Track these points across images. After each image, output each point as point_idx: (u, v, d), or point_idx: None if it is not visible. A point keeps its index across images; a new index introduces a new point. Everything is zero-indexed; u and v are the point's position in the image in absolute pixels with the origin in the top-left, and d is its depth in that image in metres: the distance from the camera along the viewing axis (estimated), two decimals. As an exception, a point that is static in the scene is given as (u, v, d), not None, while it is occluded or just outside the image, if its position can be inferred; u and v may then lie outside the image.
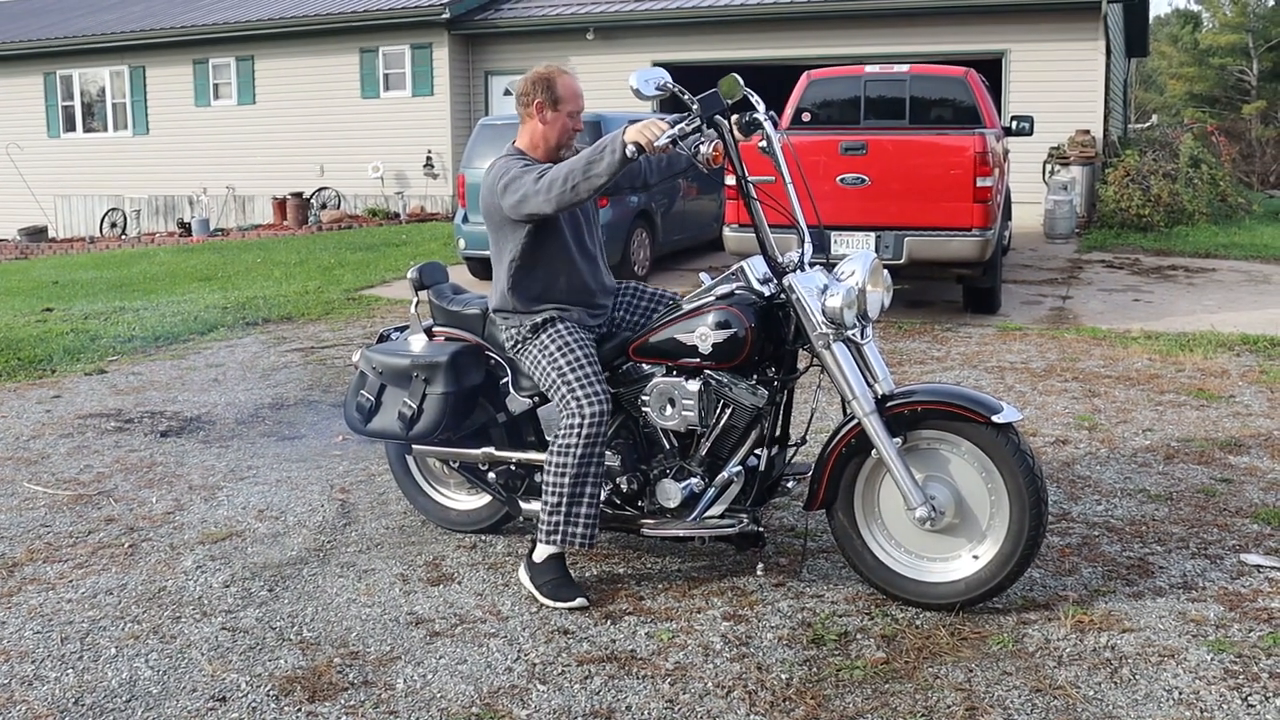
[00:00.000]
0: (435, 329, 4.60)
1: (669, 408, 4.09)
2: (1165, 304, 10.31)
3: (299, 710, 3.35)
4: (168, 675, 3.58)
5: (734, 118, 4.01)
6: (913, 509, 3.81)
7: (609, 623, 3.88)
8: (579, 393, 4.01)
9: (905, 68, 11.49)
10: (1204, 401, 6.62)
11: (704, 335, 3.97)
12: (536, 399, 4.40)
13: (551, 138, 4.20)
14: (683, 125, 3.83)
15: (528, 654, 3.66)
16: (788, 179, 4.01)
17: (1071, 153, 16.58)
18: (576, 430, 3.98)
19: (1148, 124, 24.01)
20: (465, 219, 12.20)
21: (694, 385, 4.04)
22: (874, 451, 3.88)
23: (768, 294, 4.02)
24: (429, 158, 20.55)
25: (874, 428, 3.82)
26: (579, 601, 4.00)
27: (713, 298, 4.05)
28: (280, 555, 4.57)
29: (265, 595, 4.18)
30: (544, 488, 4.05)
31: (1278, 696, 3.26)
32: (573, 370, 4.06)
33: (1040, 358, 7.94)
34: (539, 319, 4.20)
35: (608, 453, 4.22)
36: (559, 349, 4.12)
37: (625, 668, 3.55)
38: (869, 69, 11.47)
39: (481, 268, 12.52)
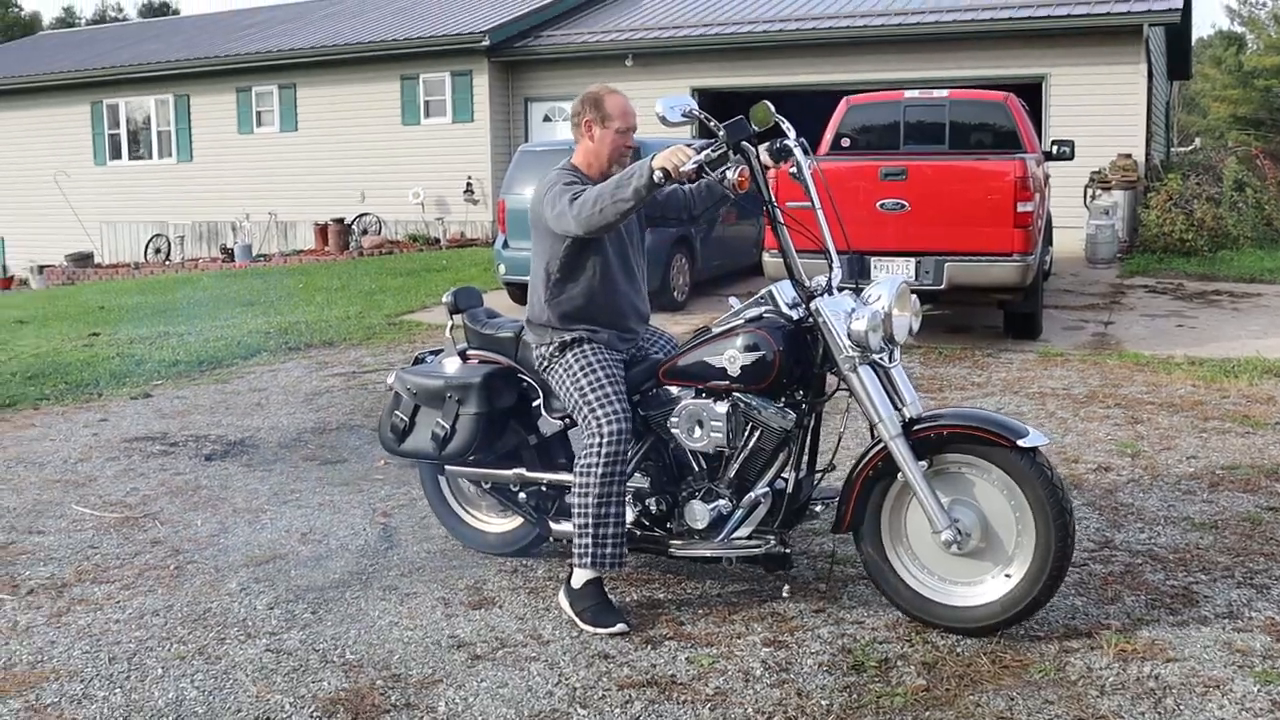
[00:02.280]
0: (469, 352, 4.67)
1: (697, 429, 4.11)
2: (1209, 329, 10.22)
3: (342, 732, 3.38)
4: (213, 696, 3.62)
5: (764, 144, 4.05)
6: (938, 532, 3.82)
7: (649, 648, 3.88)
8: (598, 412, 4.06)
9: (945, 92, 11.49)
10: (1249, 428, 6.56)
11: (733, 357, 4.00)
12: (568, 420, 4.43)
13: (603, 155, 4.27)
14: (709, 151, 3.89)
15: (568, 678, 3.68)
16: (817, 205, 4.06)
17: (1113, 177, 16.49)
18: (596, 450, 4.02)
19: (1191, 147, 23.86)
20: (505, 244, 12.28)
21: (722, 407, 4.07)
22: (900, 475, 3.89)
23: (796, 317, 4.05)
24: (469, 184, 20.70)
25: (899, 451, 3.84)
26: (619, 627, 4.01)
27: (741, 320, 4.10)
28: (323, 578, 4.61)
29: (309, 617, 4.22)
30: (573, 511, 4.10)
31: (1325, 727, 3.23)
32: (593, 390, 4.10)
33: (1082, 383, 7.89)
34: (568, 337, 4.24)
35: (637, 474, 4.28)
36: (581, 369, 4.17)
37: (665, 693, 3.56)
38: (908, 94, 11.48)
39: (521, 293, 12.58)
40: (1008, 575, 3.83)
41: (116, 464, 6.42)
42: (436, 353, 4.88)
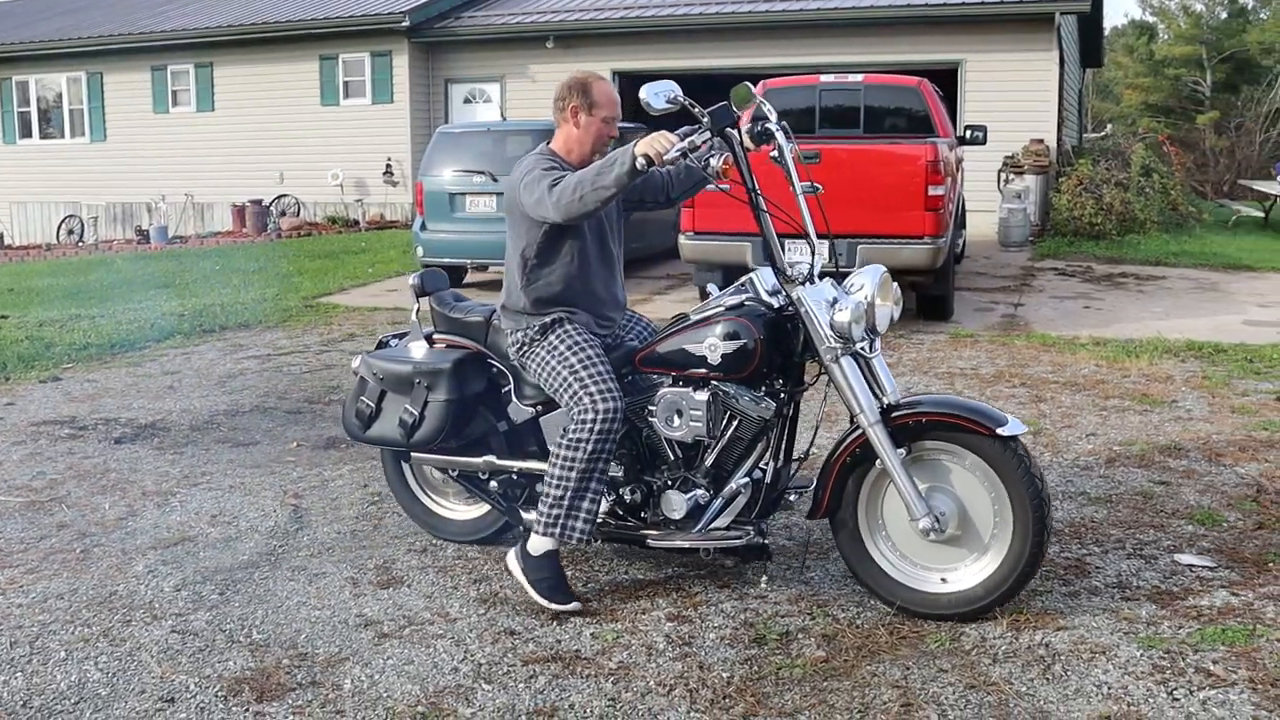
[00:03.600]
0: (436, 336, 4.59)
1: (676, 418, 4.05)
2: (1115, 311, 10.48)
3: (246, 710, 3.39)
4: (117, 677, 3.61)
5: (745, 127, 3.99)
6: (916, 520, 3.81)
7: (555, 623, 3.94)
8: (592, 389, 3.99)
9: (859, 77, 11.63)
10: (1147, 406, 6.75)
11: (713, 346, 3.96)
12: (540, 407, 4.37)
13: (586, 143, 4.20)
14: (693, 138, 3.81)
15: (474, 654, 3.72)
16: (799, 189, 4.01)
17: (1026, 162, 16.79)
18: (590, 425, 3.94)
19: (1103, 133, 24.33)
20: (424, 226, 12.23)
21: (702, 396, 4.00)
22: (878, 462, 3.88)
23: (777, 305, 4.01)
24: (389, 165, 20.55)
25: (878, 438, 3.82)
26: (574, 606, 3.99)
27: (722, 308, 4.04)
28: (232, 560, 4.60)
29: (216, 599, 4.21)
30: (547, 480, 4.02)
31: (1202, 690, 3.36)
32: (585, 368, 4.04)
33: (990, 364, 8.06)
34: (547, 319, 4.17)
35: (611, 463, 4.16)
36: (569, 348, 4.10)
37: (569, 667, 3.61)
38: (824, 78, 11.60)
39: (440, 275, 12.54)
40: (979, 567, 3.85)
41: (23, 448, 6.33)
42: (401, 336, 4.77)
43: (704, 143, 3.85)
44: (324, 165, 20.99)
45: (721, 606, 4.05)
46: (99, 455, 6.16)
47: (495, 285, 12.74)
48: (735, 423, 4.04)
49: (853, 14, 17.59)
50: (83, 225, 23.99)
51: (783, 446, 4.14)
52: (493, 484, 4.49)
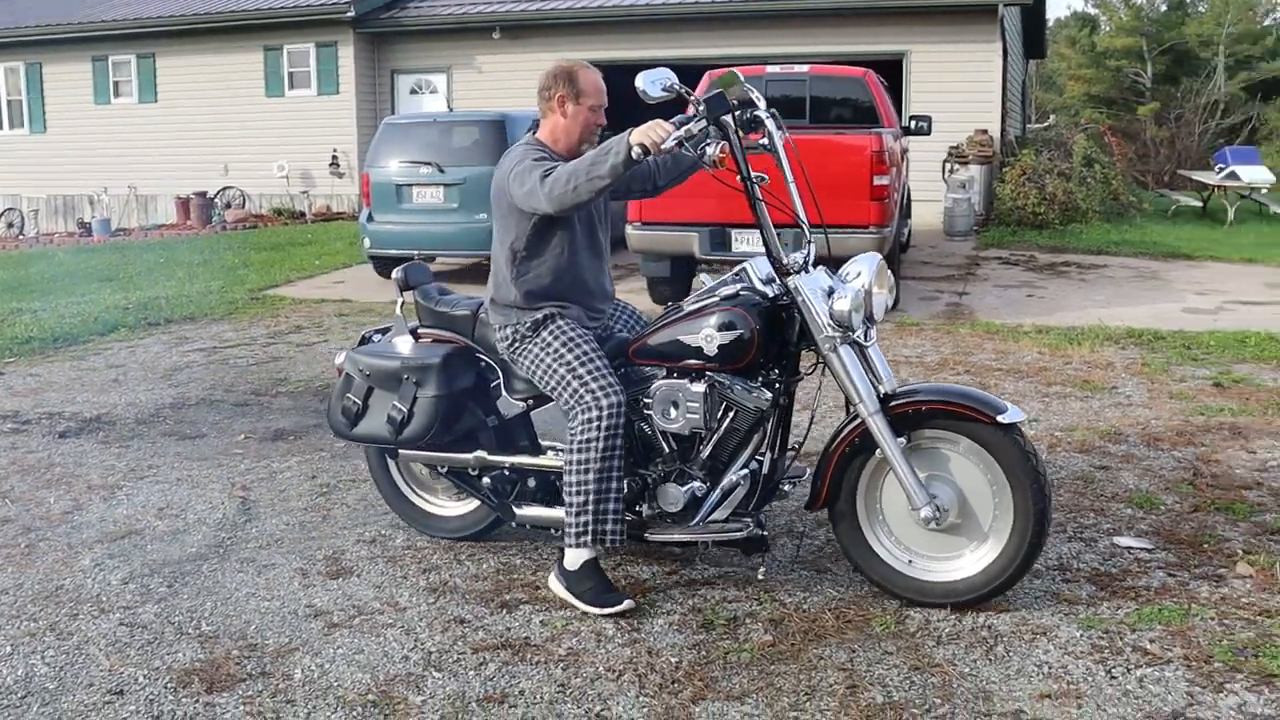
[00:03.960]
0: (421, 330, 4.51)
1: (673, 410, 4.00)
2: (1057, 299, 10.63)
3: (196, 701, 3.39)
4: (64, 671, 3.59)
5: (734, 114, 3.92)
6: (917, 509, 3.79)
7: (504, 611, 3.96)
8: (593, 385, 3.93)
9: (805, 68, 11.68)
10: (1088, 393, 6.87)
11: (709, 336, 3.92)
12: (531, 402, 4.30)
13: (574, 132, 4.14)
14: (689, 126, 3.75)
15: (424, 643, 3.73)
16: (790, 177, 3.98)
17: (970, 152, 16.96)
18: (596, 424, 3.88)
19: (1046, 124, 24.63)
20: (370, 218, 12.16)
21: (699, 387, 3.96)
22: (877, 451, 3.86)
23: (772, 295, 3.96)
24: (334, 157, 20.41)
25: (878, 428, 3.79)
26: (626, 604, 3.92)
27: (717, 298, 3.98)
28: (180, 552, 4.59)
29: (164, 591, 4.20)
30: (567, 490, 3.93)
31: (1139, 668, 3.45)
32: (583, 364, 3.97)
33: (935, 351, 8.16)
34: (539, 315, 4.10)
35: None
36: (564, 344, 4.03)
37: (519, 654, 3.64)
38: (770, 69, 11.64)
39: (387, 267, 12.48)
40: (979, 555, 3.84)
41: (-36, 443, 6.26)
42: (383, 331, 4.67)
43: (700, 131, 3.80)
44: (269, 157, 20.79)
45: (669, 593, 4.09)
46: (43, 450, 6.10)
47: (447, 276, 12.73)
48: (731, 414, 3.99)
49: (798, 5, 17.66)
50: (23, 218, 23.62)
51: (778, 437, 4.09)
52: (484, 480, 4.39)
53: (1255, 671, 3.41)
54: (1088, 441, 5.82)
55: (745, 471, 4.02)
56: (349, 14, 19.63)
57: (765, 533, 4.04)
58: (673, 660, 3.58)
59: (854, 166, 9.38)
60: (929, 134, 12.23)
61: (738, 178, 3.93)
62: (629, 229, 10.10)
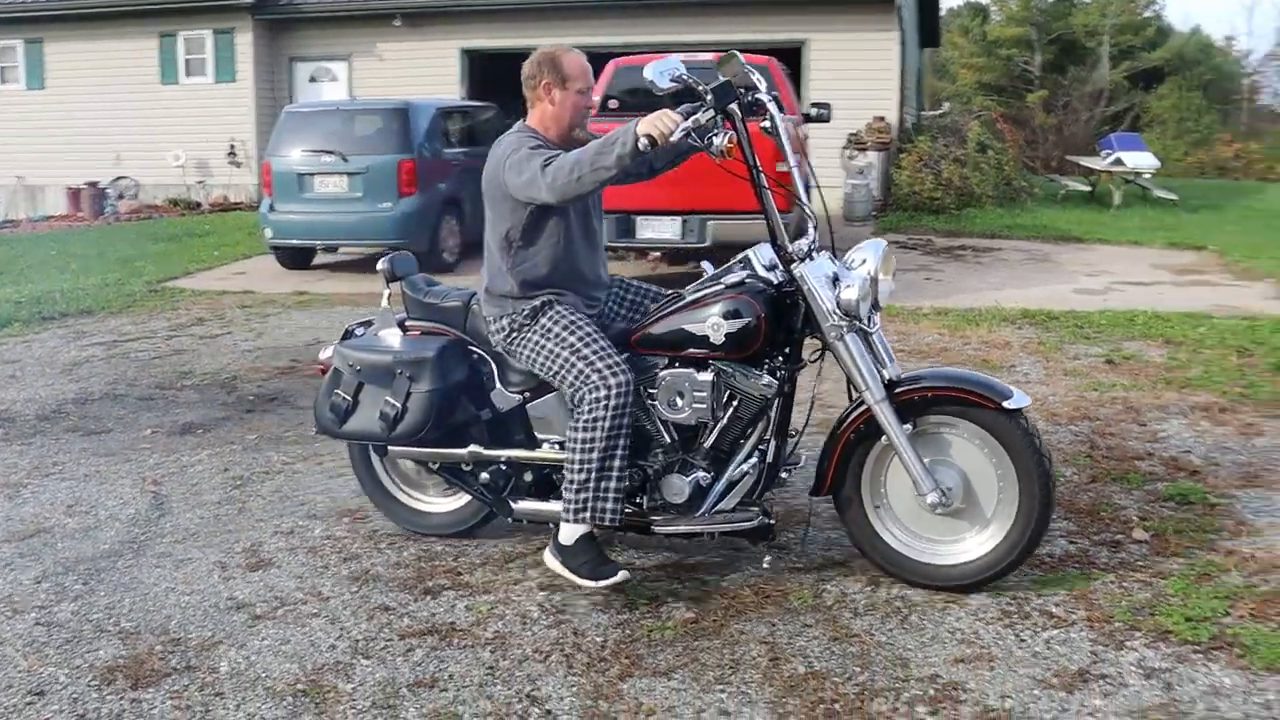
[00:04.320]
0: (408, 323, 4.40)
1: (679, 400, 3.95)
2: (954, 282, 10.89)
3: (122, 698, 3.37)
4: (-19, 670, 3.55)
5: (740, 102, 3.89)
6: (923, 495, 3.81)
7: (429, 598, 3.99)
8: (599, 365, 3.88)
9: (710, 56, 11.77)
10: (988, 372, 7.05)
11: (716, 325, 3.88)
12: (527, 394, 4.23)
13: (564, 118, 4.09)
14: (697, 116, 3.72)
15: (350, 631, 3.75)
16: (793, 162, 3.99)
17: (868, 139, 17.24)
18: (604, 402, 3.84)
19: (940, 111, 25.05)
20: (272, 208, 12.01)
21: (706, 376, 3.93)
22: (882, 437, 3.86)
23: (776, 282, 3.94)
24: (232, 146, 20.05)
25: (885, 415, 3.79)
26: (622, 575, 3.90)
27: (721, 286, 3.94)
28: (93, 549, 4.53)
29: (80, 589, 4.15)
30: (568, 467, 3.89)
31: (1045, 630, 3.61)
32: (587, 345, 3.92)
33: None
34: (536, 302, 4.04)
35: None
36: (565, 328, 3.98)
37: (446, 639, 3.68)
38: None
39: (289, 257, 12.37)
40: (984, 538, 3.86)
41: None
42: (366, 324, 4.53)
43: (708, 121, 3.76)
44: (164, 146, 20.33)
45: (592, 575, 4.14)
46: (-58, 448, 5.97)
47: (350, 266, 12.63)
48: (736, 402, 3.96)
49: (700, -7, 17.82)
50: (-97, 211, 22.85)
51: (782, 424, 4.04)
52: (483, 475, 4.28)
53: (1152, 629, 3.59)
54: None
55: (754, 460, 3.99)
56: (247, 0, 19.29)
57: (773, 521, 4.00)
58: (598, 640, 3.65)
59: (760, 154, 9.47)
60: (829, 121, 12.40)
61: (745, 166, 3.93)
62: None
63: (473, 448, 4.28)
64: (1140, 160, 20.05)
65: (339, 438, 4.45)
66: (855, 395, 3.92)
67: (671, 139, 3.65)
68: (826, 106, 12.32)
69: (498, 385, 4.27)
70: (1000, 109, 25.87)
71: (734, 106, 3.81)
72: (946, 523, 3.91)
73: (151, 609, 3.97)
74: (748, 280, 3.94)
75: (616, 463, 3.88)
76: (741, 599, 3.91)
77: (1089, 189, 20.20)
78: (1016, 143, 21.94)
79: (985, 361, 7.32)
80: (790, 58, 15.92)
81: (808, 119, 12.17)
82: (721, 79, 3.82)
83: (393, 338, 4.34)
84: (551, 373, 4.01)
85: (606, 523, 3.91)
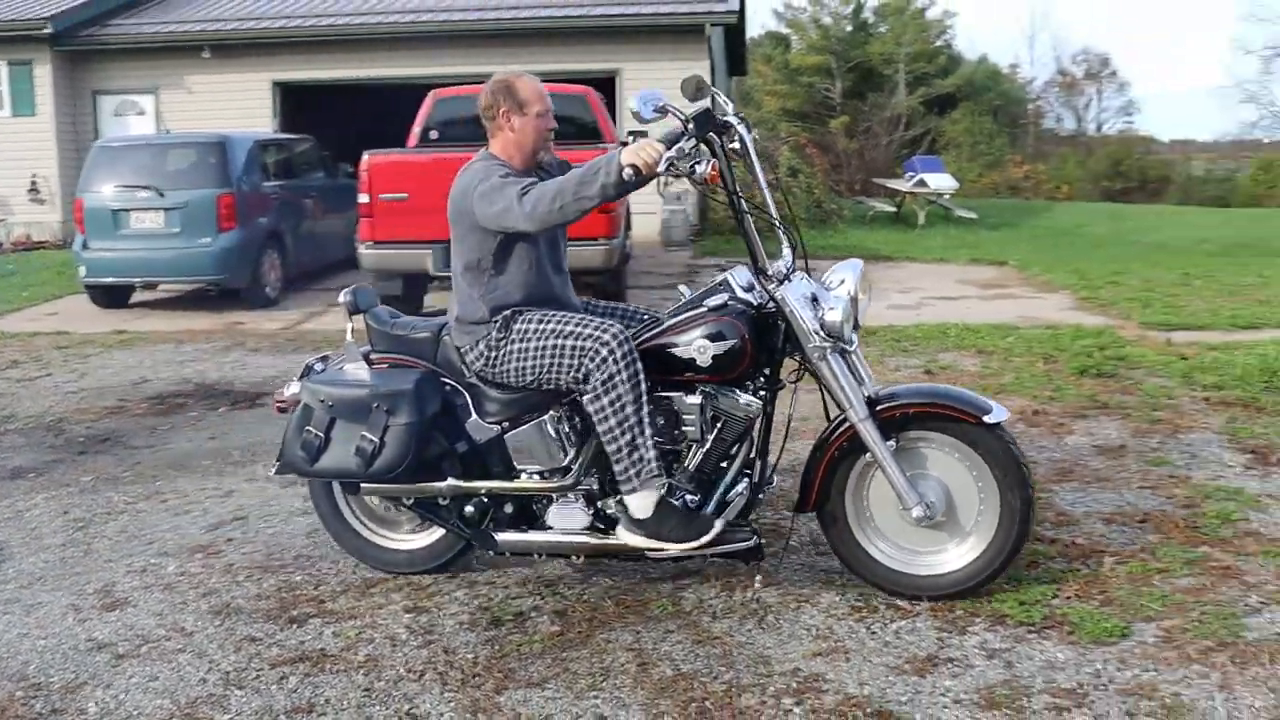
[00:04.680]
0: (374, 355, 4.31)
1: (667, 424, 3.97)
2: (776, 302, 11.24)
3: (-14, 743, 3.31)
4: None
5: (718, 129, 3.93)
6: (908, 509, 3.90)
7: (295, 626, 4.01)
8: (588, 330, 3.88)
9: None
10: (811, 385, 7.35)
11: (702, 348, 3.90)
12: (505, 424, 4.16)
13: (526, 144, 4.09)
14: (680, 146, 3.75)
15: (219, 664, 3.75)
16: (764, 182, 4.04)
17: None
18: (611, 357, 3.82)
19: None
20: (85, 245, 11.63)
21: (694, 400, 3.95)
22: (865, 454, 3.95)
23: (756, 303, 3.98)
24: (34, 182, 19.26)
25: (869, 433, 3.87)
26: (719, 524, 3.87)
27: (704, 309, 3.98)
28: (-68, 598, 4.39)
29: (-76, 638, 4.03)
30: (609, 439, 3.85)
31: (894, 622, 3.86)
32: (565, 324, 3.93)
33: (671, 356, 8.53)
34: (507, 313, 4.03)
35: (584, 478, 4.08)
36: (539, 322, 3.97)
37: (318, 665, 3.71)
38: (494, 88, 11.84)
39: (105, 296, 12.00)
40: (969, 544, 3.97)
41: None
42: (324, 359, 4.44)
43: (691, 149, 3.79)
44: (-43, 184, 19.39)
45: (454, 595, 4.23)
46: None
47: (170, 303, 12.32)
48: (720, 424, 3.97)
49: (514, 23, 17.96)
50: None
51: (763, 445, 4.10)
52: (466, 509, 4.20)
53: (990, 614, 3.89)
54: (820, 428, 6.27)
55: (746, 481, 4.03)
56: (46, 30, 18.54)
57: (763, 540, 4.03)
58: (469, 656, 3.74)
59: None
60: (647, 149, 12.67)
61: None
62: (361, 249, 10.11)
63: (450, 481, 4.20)
64: (941, 182, 21.06)
65: (309, 476, 4.29)
66: (836, 414, 4.02)
67: (658, 169, 3.69)
68: (643, 134, 12.56)
69: (474, 416, 4.19)
70: (806, 135, 26.76)
71: (713, 134, 3.86)
72: (929, 534, 4.01)
73: (6, 655, 3.88)
74: (730, 302, 3.98)
75: (645, 413, 3.84)
76: (604, 610, 4.05)
77: (894, 210, 21.09)
78: (824, 167, 22.75)
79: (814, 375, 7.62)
80: (605, 86, 16.23)
81: (625, 146, 12.43)
82: (699, 107, 3.85)
83: (360, 371, 4.26)
84: (544, 369, 3.97)
85: (656, 473, 3.87)
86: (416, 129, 11.55)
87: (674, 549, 3.91)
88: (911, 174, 21.52)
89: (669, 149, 3.74)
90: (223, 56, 18.73)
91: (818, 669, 3.56)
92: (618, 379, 3.82)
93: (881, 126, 35.37)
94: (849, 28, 40.91)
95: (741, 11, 19.92)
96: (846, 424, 3.95)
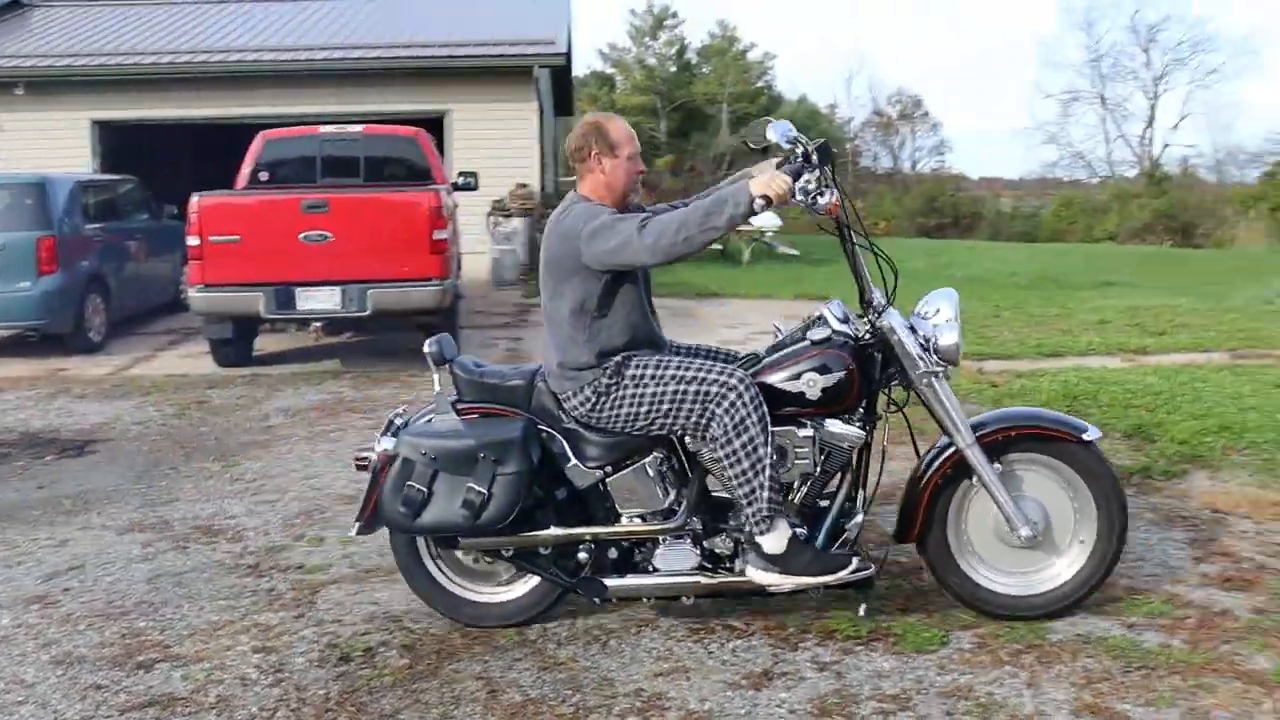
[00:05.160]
0: (462, 405, 4.26)
1: (780, 459, 4.00)
2: (608, 339, 11.48)
3: None
4: None
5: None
6: (1016, 530, 4.05)
7: (141, 672, 4.01)
8: (711, 377, 3.92)
9: (359, 128, 11.99)
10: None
11: (812, 381, 3.99)
12: (608, 469, 4.14)
13: (617, 185, 4.11)
14: (807, 178, 3.88)
15: (64, 714, 3.73)
16: (857, 215, 4.20)
17: (513, 205, 17.80)
18: (739, 401, 3.87)
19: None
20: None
21: (807, 433, 4.02)
22: (970, 479, 4.12)
23: (854, 335, 4.10)
24: None
25: (977, 458, 4.03)
26: (856, 562, 3.98)
27: (808, 343, 4.08)
28: None
29: None
30: (738, 481, 3.89)
31: (730, 641, 4.09)
32: (686, 369, 3.97)
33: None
34: (618, 358, 4.03)
35: (694, 519, 4.11)
36: (657, 368, 4.00)
37: (169, 709, 3.73)
38: (324, 129, 11.87)
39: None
40: (1069, 559, 4.17)
41: None
42: (403, 412, 4.38)
43: (817, 181, 3.91)
44: None
45: (302, 634, 4.29)
46: None
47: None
48: (825, 456, 4.06)
49: (343, 64, 17.88)
50: None
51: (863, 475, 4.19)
52: (579, 555, 4.17)
53: (820, 631, 4.16)
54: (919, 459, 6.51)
55: (859, 512, 4.13)
56: None
57: (874, 568, 4.09)
58: (321, 693, 3.81)
59: (413, 222, 9.79)
60: (476, 189, 12.84)
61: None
62: (192, 292, 9.97)
63: (553, 530, 4.17)
64: (764, 220, 21.51)
65: (411, 532, 4.19)
66: (939, 440, 4.17)
67: (792, 200, 3.84)
68: (474, 175, 12.75)
69: (573, 461, 4.16)
70: (635, 173, 27.19)
71: (828, 167, 3.98)
72: (1027, 554, 4.19)
73: None
74: (834, 335, 4.10)
75: (772, 452, 3.91)
76: (451, 643, 4.17)
77: (720, 248, 21.60)
78: (651, 205, 23.18)
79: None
80: (436, 127, 16.33)
81: (457, 188, 12.57)
82: (819, 140, 4.03)
83: (449, 422, 4.19)
84: (662, 414, 3.99)
85: (784, 511, 3.97)
86: (246, 170, 11.46)
87: (808, 583, 3.99)
88: (735, 212, 22.05)
89: (796, 180, 3.88)
90: (38, 94, 18.12)
91: (660, 688, 3.75)
92: (748, 421, 3.88)
93: (706, 165, 36.19)
94: (673, 68, 41.83)
95: (569, 53, 20.25)
96: (950, 450, 4.11)
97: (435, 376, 4.31)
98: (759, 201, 3.76)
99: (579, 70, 43.64)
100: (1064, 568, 4.19)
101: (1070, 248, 29.38)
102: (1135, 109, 45.97)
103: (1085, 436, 4.10)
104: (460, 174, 12.97)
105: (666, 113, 40.23)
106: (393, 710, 3.67)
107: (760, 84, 42.08)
